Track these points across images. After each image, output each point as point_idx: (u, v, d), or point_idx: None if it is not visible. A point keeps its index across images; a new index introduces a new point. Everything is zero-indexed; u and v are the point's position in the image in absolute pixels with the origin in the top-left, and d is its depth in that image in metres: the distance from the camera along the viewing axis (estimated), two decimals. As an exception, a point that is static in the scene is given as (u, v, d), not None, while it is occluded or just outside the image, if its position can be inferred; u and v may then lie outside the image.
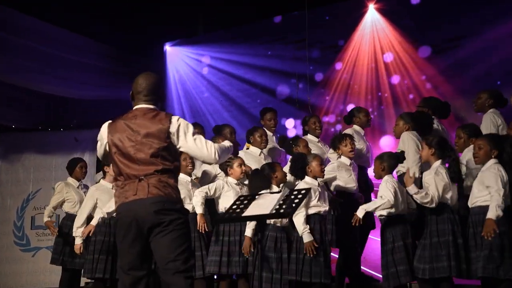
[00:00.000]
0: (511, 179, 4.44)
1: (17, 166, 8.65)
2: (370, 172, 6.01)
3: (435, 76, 7.15)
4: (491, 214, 4.23)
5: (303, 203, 3.88)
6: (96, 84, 8.96)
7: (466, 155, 4.96)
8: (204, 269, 5.17)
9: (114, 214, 5.78)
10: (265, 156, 6.04)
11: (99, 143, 3.52)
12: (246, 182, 5.43)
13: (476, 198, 4.48)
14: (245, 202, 3.64)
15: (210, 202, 5.34)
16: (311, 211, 5.01)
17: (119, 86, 9.17)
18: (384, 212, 4.87)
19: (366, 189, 5.99)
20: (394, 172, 5.13)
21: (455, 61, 6.99)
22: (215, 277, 5.45)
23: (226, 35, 8.87)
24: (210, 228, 5.26)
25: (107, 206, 5.52)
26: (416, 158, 5.23)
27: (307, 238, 4.89)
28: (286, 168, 5.47)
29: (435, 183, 4.58)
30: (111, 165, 5.93)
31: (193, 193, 5.27)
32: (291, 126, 7.98)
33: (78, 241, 5.75)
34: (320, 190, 5.13)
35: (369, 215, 5.58)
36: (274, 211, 3.41)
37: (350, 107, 7.24)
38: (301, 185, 5.17)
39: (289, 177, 5.43)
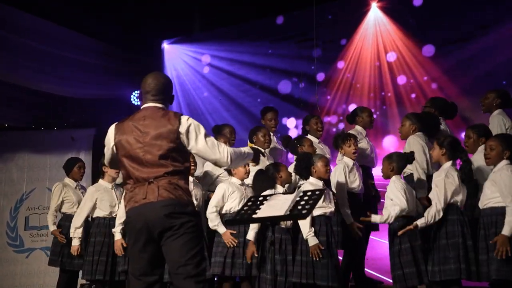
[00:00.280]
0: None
1: (10, 165, 8.50)
2: (375, 172, 5.98)
3: (439, 75, 7.07)
4: (506, 230, 4.15)
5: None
6: (92, 82, 8.82)
7: (476, 156, 4.89)
8: (207, 271, 5.06)
9: (114, 214, 5.82)
10: (268, 156, 5.94)
11: (106, 148, 3.42)
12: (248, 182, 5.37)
13: (488, 199, 4.39)
14: (257, 203, 3.51)
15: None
16: (317, 212, 4.90)
17: (115, 84, 9.08)
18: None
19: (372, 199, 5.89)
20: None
21: (459, 61, 6.92)
22: (216, 278, 5.35)
23: (225, 33, 8.76)
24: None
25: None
26: (423, 161, 5.15)
27: (312, 241, 4.80)
28: (290, 168, 5.39)
29: (444, 186, 4.51)
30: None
31: (194, 194, 5.17)
32: (293, 125, 7.87)
33: (76, 242, 5.68)
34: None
35: None
36: (288, 213, 3.29)
37: (352, 107, 7.14)
38: (305, 185, 5.11)
39: (293, 177, 5.34)
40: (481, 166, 4.78)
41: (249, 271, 4.99)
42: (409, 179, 5.21)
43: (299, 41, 8.08)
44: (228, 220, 4.55)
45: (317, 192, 3.45)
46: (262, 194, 3.65)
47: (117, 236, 5.48)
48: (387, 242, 5.86)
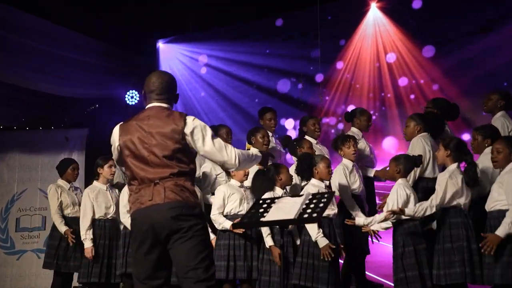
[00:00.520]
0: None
1: (1, 165, 8.36)
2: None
3: (439, 76, 7.03)
4: (501, 231, 4.11)
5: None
6: (86, 81, 8.69)
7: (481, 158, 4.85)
8: None
9: (109, 216, 5.75)
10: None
11: (112, 147, 3.35)
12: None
13: (496, 202, 4.33)
14: (264, 206, 3.44)
15: (210, 207, 5.19)
16: (319, 214, 4.85)
17: (109, 83, 8.95)
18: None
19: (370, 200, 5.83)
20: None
21: (460, 62, 6.88)
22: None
23: (222, 32, 8.66)
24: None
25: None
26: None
27: (322, 242, 4.73)
28: (291, 169, 5.34)
29: (445, 186, 4.45)
30: (105, 166, 5.84)
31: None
32: (291, 126, 7.80)
33: (89, 244, 5.54)
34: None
35: None
36: (298, 216, 3.21)
37: (351, 108, 7.08)
38: (308, 187, 5.07)
39: (295, 178, 5.31)
40: (485, 168, 4.74)
41: (250, 274, 4.94)
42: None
43: (298, 41, 7.99)
44: (236, 224, 4.47)
45: (326, 195, 3.39)
46: (270, 197, 3.57)
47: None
48: (386, 244, 5.81)
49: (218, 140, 3.21)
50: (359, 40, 7.62)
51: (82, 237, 5.59)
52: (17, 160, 8.35)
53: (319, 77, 7.93)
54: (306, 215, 3.22)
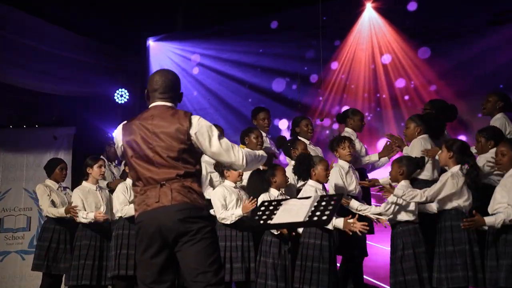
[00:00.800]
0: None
1: (-15, 165, 8.17)
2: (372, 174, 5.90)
3: (435, 78, 7.02)
4: (489, 220, 4.15)
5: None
6: (74, 79, 8.51)
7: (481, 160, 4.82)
8: None
9: (100, 218, 5.62)
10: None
11: (116, 145, 3.31)
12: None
13: (499, 204, 4.30)
14: (271, 208, 3.36)
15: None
16: (318, 216, 4.78)
17: (98, 81, 8.79)
18: (396, 217, 4.73)
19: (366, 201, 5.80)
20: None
21: (456, 63, 6.87)
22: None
23: (215, 31, 8.54)
24: None
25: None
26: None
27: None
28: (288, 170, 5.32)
29: (444, 183, 4.46)
30: (94, 166, 5.74)
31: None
32: (285, 127, 7.73)
33: (92, 215, 5.50)
34: (324, 194, 4.99)
35: (367, 220, 5.48)
36: (307, 219, 3.13)
37: (346, 108, 7.03)
38: (305, 188, 5.06)
39: (292, 179, 5.32)
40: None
41: (247, 276, 4.91)
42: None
43: (292, 41, 7.91)
44: (243, 226, 4.41)
45: (335, 197, 3.32)
46: (275, 199, 3.49)
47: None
48: (382, 247, 5.77)
49: (225, 141, 3.14)
50: (354, 41, 7.57)
51: (83, 219, 5.49)
52: (1, 159, 8.18)
53: (313, 78, 7.86)
54: (315, 218, 3.15)
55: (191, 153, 3.07)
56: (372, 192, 5.90)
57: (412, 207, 4.68)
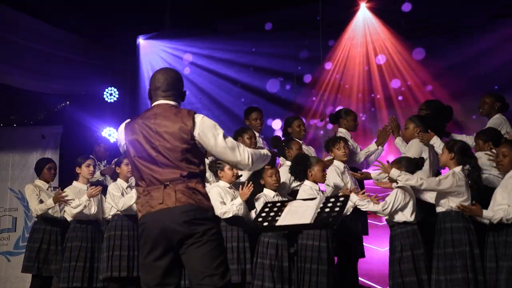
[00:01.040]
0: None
1: (-31, 164, 8.02)
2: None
3: (429, 79, 7.02)
4: (489, 214, 4.23)
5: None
6: (63, 77, 8.36)
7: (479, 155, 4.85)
8: None
9: (91, 217, 5.50)
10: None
11: (118, 143, 3.25)
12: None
13: (499, 206, 4.31)
14: (275, 209, 3.29)
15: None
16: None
17: (86, 79, 8.65)
18: (394, 218, 4.70)
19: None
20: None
21: (451, 64, 6.88)
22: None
23: (207, 30, 8.44)
24: None
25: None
26: None
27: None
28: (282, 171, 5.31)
29: (445, 178, 4.45)
30: (82, 166, 5.65)
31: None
32: (278, 127, 7.67)
33: (84, 198, 5.42)
34: (321, 194, 4.97)
35: (362, 220, 5.51)
36: (314, 221, 3.06)
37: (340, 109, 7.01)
38: (303, 188, 5.03)
39: (286, 179, 5.31)
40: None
41: (244, 277, 4.86)
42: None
43: (285, 41, 7.85)
44: (248, 228, 4.35)
45: (341, 199, 3.25)
46: (279, 200, 3.43)
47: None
48: (378, 249, 5.73)
49: (230, 140, 3.06)
50: (348, 40, 7.55)
51: (78, 208, 5.40)
52: (-14, 159, 8.01)
53: (307, 78, 7.83)
54: (323, 220, 3.09)
55: (194, 153, 2.99)
56: (366, 186, 5.87)
57: (410, 207, 4.66)
